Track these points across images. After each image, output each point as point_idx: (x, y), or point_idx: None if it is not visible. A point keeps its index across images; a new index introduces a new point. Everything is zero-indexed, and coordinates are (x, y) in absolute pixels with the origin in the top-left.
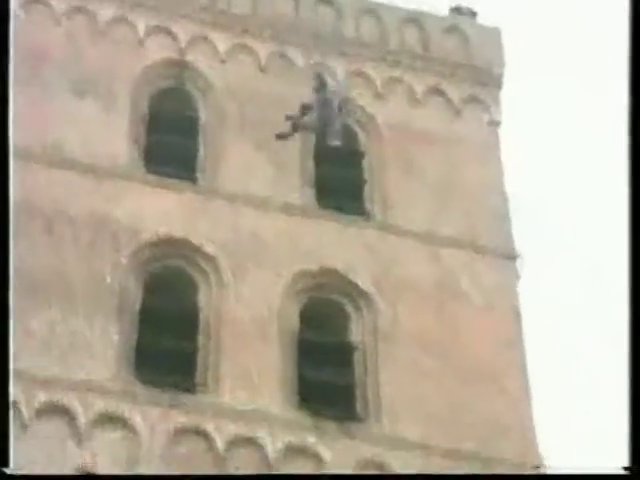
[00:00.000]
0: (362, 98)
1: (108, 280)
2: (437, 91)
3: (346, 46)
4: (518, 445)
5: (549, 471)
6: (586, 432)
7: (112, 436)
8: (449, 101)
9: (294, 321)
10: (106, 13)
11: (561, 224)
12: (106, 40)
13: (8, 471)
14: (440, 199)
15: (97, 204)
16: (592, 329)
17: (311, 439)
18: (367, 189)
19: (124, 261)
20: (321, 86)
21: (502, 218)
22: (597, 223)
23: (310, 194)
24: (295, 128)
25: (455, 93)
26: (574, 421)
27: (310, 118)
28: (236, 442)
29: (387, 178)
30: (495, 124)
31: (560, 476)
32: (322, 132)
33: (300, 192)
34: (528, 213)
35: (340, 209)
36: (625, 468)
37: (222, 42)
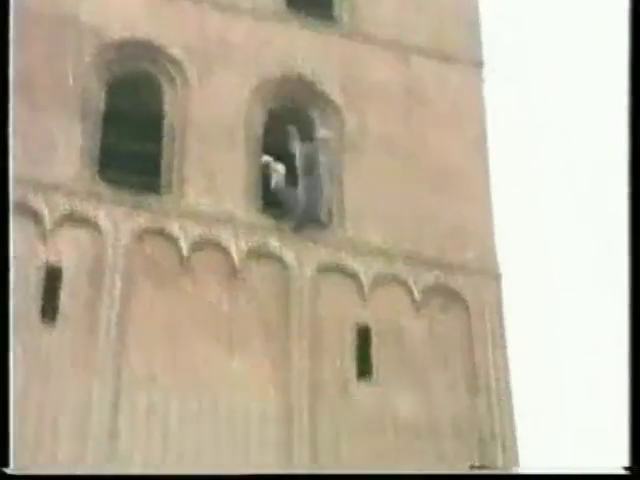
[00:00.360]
0: None
1: (71, 81)
2: None
3: None
4: (478, 252)
5: (548, 471)
6: (586, 432)
7: (77, 235)
8: None
9: (259, 127)
10: None
11: (532, 34)
12: None
13: (8, 471)
14: (410, 3)
15: (61, 1)
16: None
17: (274, 242)
18: None
19: (87, 61)
20: (310, 169)
21: (472, 24)
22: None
23: None
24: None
25: None
26: (573, 423)
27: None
28: (200, 244)
29: None
30: None
31: (560, 476)
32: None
33: None
34: (498, 20)
35: (309, 14)
36: (625, 468)
37: None
